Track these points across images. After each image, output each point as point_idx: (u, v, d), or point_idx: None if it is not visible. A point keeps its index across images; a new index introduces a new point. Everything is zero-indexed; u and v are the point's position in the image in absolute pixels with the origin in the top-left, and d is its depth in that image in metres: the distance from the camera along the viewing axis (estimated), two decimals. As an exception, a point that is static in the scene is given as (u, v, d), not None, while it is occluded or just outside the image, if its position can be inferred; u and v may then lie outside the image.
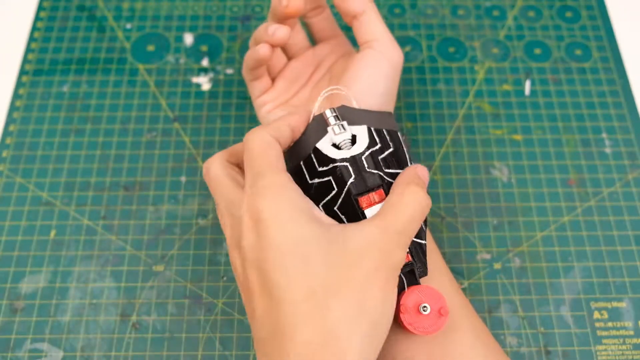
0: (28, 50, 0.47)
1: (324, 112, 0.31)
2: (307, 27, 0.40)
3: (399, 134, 0.32)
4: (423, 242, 0.29)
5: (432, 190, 0.41)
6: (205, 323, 0.37)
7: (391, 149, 0.31)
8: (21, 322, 0.37)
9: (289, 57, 0.39)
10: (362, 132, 0.30)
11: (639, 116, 0.44)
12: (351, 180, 0.29)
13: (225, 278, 0.38)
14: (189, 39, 0.48)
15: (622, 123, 0.44)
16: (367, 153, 0.29)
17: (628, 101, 0.45)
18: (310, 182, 0.30)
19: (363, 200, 0.29)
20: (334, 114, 0.31)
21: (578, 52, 0.47)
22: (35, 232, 0.39)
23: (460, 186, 0.41)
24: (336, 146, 0.30)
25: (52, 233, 0.39)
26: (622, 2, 0.50)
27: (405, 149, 0.32)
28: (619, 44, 0.47)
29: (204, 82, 0.46)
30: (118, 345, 0.36)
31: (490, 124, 0.44)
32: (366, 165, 0.29)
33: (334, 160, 0.29)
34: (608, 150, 0.43)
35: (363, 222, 0.27)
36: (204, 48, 0.47)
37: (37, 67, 0.46)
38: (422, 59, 0.47)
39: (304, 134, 0.32)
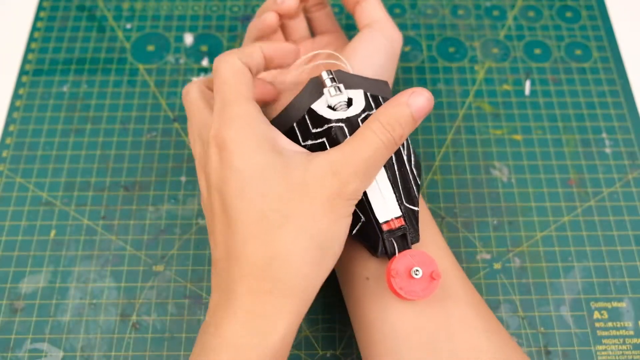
0: (28, 50, 0.47)
1: (321, 74, 0.31)
2: (308, 21, 0.40)
3: None
4: (416, 208, 0.29)
5: (432, 190, 0.41)
6: (205, 323, 0.37)
7: None
8: (21, 322, 0.37)
9: None
10: (358, 96, 0.30)
11: (639, 116, 0.44)
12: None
13: (225, 278, 0.38)
14: (189, 39, 0.48)
15: (622, 123, 0.44)
16: (363, 115, 0.29)
17: (628, 101, 0.45)
18: (303, 144, 0.30)
19: None
20: (330, 76, 0.31)
21: (578, 52, 0.47)
22: (35, 232, 0.39)
23: (460, 186, 0.41)
24: (332, 108, 0.30)
25: (52, 233, 0.39)
26: (622, 2, 0.50)
27: None
28: (619, 44, 0.47)
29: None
30: (118, 345, 0.36)
31: (490, 124, 0.44)
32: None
33: (329, 121, 0.29)
34: (608, 150, 0.43)
35: (327, 151, 0.27)
36: (204, 48, 0.47)
37: (37, 67, 0.46)
38: (422, 59, 0.47)
39: (298, 95, 0.31)
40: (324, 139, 0.29)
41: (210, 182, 0.27)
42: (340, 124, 0.29)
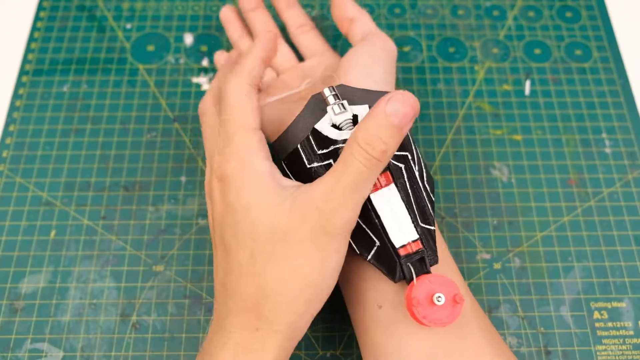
0: (28, 50, 0.47)
1: (322, 91, 0.29)
2: (296, 46, 0.41)
3: None
4: (432, 228, 0.28)
5: (432, 190, 0.41)
6: (205, 323, 0.37)
7: None
8: (21, 322, 0.37)
9: (278, 75, 0.40)
10: (364, 112, 0.28)
11: (639, 116, 0.44)
12: None
13: (225, 278, 0.38)
14: (189, 39, 0.48)
15: (622, 123, 0.44)
16: None
17: (628, 101, 0.45)
18: (308, 166, 0.28)
19: None
20: (333, 93, 0.29)
21: (578, 52, 0.47)
22: (35, 232, 0.39)
23: (460, 186, 0.41)
24: (336, 127, 0.28)
25: (52, 233, 0.39)
26: (622, 2, 0.50)
27: (408, 131, 0.29)
28: (619, 44, 0.47)
29: (204, 82, 0.46)
30: (118, 345, 0.36)
31: (490, 124, 0.44)
32: None
33: (335, 142, 0.28)
34: (608, 150, 0.43)
35: (311, 184, 0.26)
36: (204, 48, 0.47)
37: (37, 67, 0.46)
38: (422, 59, 0.47)
39: (300, 115, 0.30)
40: (331, 160, 0.28)
41: (214, 211, 0.29)
42: (343, 146, 0.27)
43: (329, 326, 0.37)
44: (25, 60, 0.47)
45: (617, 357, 0.36)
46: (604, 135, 0.43)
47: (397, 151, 0.28)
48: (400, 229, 0.27)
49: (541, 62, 0.47)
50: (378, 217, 0.27)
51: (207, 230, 0.40)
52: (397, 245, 0.27)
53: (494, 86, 0.45)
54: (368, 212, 0.27)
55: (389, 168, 0.27)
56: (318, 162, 0.28)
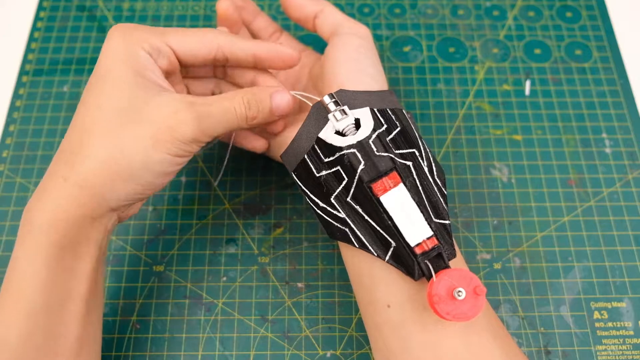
0: (28, 50, 0.47)
1: (322, 99, 0.29)
2: None
3: (404, 111, 0.31)
4: (447, 222, 0.28)
5: (432, 190, 0.41)
6: (205, 323, 0.37)
7: (399, 128, 0.29)
8: (21, 322, 0.37)
9: None
10: (365, 115, 0.29)
11: (639, 116, 0.44)
12: (361, 167, 0.27)
13: (225, 278, 0.38)
14: (189, 39, 0.48)
15: (622, 123, 0.44)
16: (374, 136, 0.28)
17: (628, 101, 0.45)
18: (318, 175, 0.29)
19: (377, 187, 0.27)
20: (333, 100, 0.29)
21: (578, 52, 0.47)
22: (35, 232, 0.39)
23: (460, 186, 0.41)
24: (340, 133, 0.29)
25: (52, 233, 0.39)
26: (622, 2, 0.50)
27: (413, 127, 0.30)
28: (619, 44, 0.47)
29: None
30: (118, 345, 0.36)
31: (490, 124, 0.44)
32: (375, 149, 0.27)
33: (340, 149, 0.28)
34: (608, 150, 0.43)
35: (185, 94, 0.30)
36: (204, 48, 0.47)
37: (37, 67, 0.46)
38: (422, 59, 0.47)
39: (303, 125, 0.30)
40: (339, 167, 0.28)
41: None
42: (352, 150, 0.27)
43: (329, 326, 0.37)
44: (25, 60, 0.47)
45: (617, 357, 0.36)
46: (604, 135, 0.43)
47: (404, 149, 0.28)
48: (414, 228, 0.27)
49: (541, 62, 0.47)
50: (390, 218, 0.27)
51: (207, 231, 0.40)
52: (412, 244, 0.27)
53: (494, 86, 0.45)
54: (380, 214, 0.27)
55: (395, 168, 0.27)
56: (326, 169, 0.28)
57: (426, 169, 0.28)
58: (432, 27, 0.49)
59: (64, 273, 0.28)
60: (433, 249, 0.27)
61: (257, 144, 0.37)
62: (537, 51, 0.47)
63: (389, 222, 0.27)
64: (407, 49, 0.47)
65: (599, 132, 0.43)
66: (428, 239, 0.27)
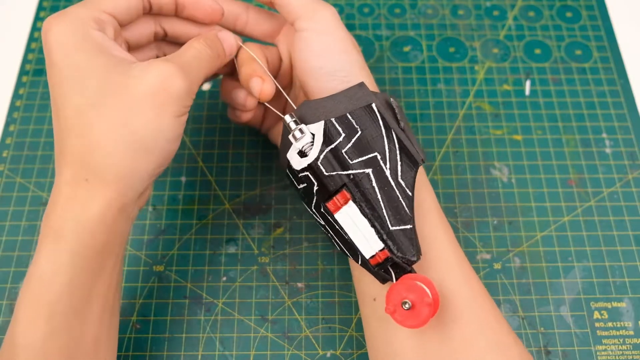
0: (28, 50, 0.47)
1: (284, 119, 0.30)
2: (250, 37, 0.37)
3: (374, 105, 0.29)
4: (407, 227, 0.28)
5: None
6: (205, 323, 0.37)
7: (358, 134, 0.28)
8: (21, 322, 0.37)
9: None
10: (318, 131, 0.29)
11: (639, 116, 0.44)
12: (315, 188, 0.29)
13: (225, 278, 0.38)
14: (189, 39, 0.48)
15: (622, 123, 0.44)
16: (322, 156, 0.28)
17: (628, 101, 0.45)
18: (298, 187, 0.30)
19: (330, 206, 0.28)
20: (293, 119, 0.30)
21: (578, 52, 0.47)
22: (35, 232, 0.39)
23: (460, 186, 0.41)
24: (302, 152, 0.29)
25: (52, 233, 0.39)
26: (622, 2, 0.50)
27: (382, 121, 0.29)
28: (619, 44, 0.47)
29: (204, 82, 0.46)
30: (118, 345, 0.36)
31: (490, 124, 0.44)
32: (324, 170, 0.28)
33: (298, 172, 0.29)
34: (608, 150, 0.43)
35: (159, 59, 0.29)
36: (204, 48, 0.47)
37: (37, 67, 0.46)
38: (422, 59, 0.47)
39: (280, 142, 0.32)
40: (306, 184, 0.29)
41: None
42: (306, 173, 0.29)
43: (329, 326, 0.37)
44: (25, 60, 0.47)
45: (617, 357, 0.36)
46: (604, 135, 0.43)
47: (362, 155, 0.28)
48: (367, 242, 0.28)
49: (541, 62, 0.47)
50: (346, 233, 0.28)
51: (207, 231, 0.40)
52: (367, 256, 0.28)
53: (494, 86, 0.45)
54: (338, 231, 0.29)
55: (345, 185, 0.28)
56: (301, 183, 0.30)
57: (388, 172, 0.28)
58: (432, 27, 0.49)
59: (88, 273, 0.28)
60: (386, 259, 0.27)
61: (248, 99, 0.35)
62: (537, 51, 0.47)
63: (346, 237, 0.28)
64: (407, 49, 0.47)
65: (599, 132, 0.43)
66: (381, 251, 0.28)
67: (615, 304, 0.37)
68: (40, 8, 0.49)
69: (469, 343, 0.28)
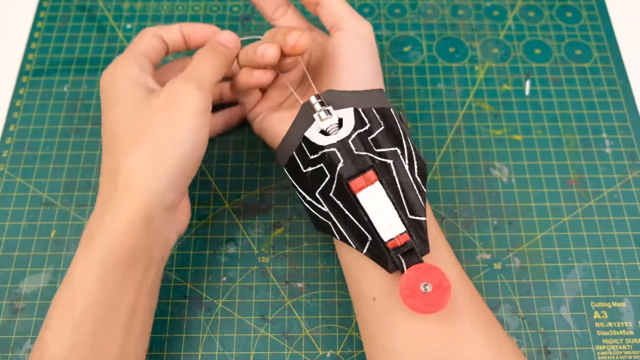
0: (28, 50, 0.47)
1: (309, 99, 0.31)
2: None
3: (392, 110, 0.32)
4: (422, 219, 0.29)
5: (432, 190, 0.41)
6: (205, 323, 0.37)
7: (382, 128, 0.30)
8: (21, 323, 0.37)
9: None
10: (348, 115, 0.30)
11: (639, 116, 0.44)
12: (340, 164, 0.29)
13: (225, 278, 0.38)
14: (189, 39, 0.48)
15: (622, 123, 0.44)
16: (354, 135, 0.29)
17: (628, 101, 0.45)
18: (304, 171, 0.31)
19: (355, 184, 0.29)
20: (319, 100, 0.31)
21: (578, 52, 0.47)
22: (35, 232, 0.39)
23: (460, 186, 0.41)
24: (324, 132, 0.30)
25: (53, 233, 0.39)
26: (622, 2, 0.50)
27: (399, 125, 0.31)
28: (619, 44, 0.47)
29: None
30: (118, 345, 0.36)
31: (490, 124, 0.44)
32: (354, 148, 0.29)
33: (322, 147, 0.30)
34: (608, 150, 0.43)
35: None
36: (204, 48, 0.47)
37: (37, 67, 0.46)
38: (422, 59, 0.47)
39: (293, 123, 0.32)
40: (322, 164, 0.30)
41: None
42: (333, 149, 0.29)
43: (329, 326, 0.37)
44: (25, 60, 0.47)
45: (617, 357, 0.36)
46: (604, 135, 0.43)
47: (387, 147, 0.30)
48: (388, 224, 0.28)
49: (541, 62, 0.47)
50: (366, 214, 0.29)
51: (207, 231, 0.40)
52: (385, 239, 0.28)
53: (494, 86, 0.45)
54: (357, 210, 0.29)
55: (373, 166, 0.29)
56: (312, 166, 0.30)
57: (407, 167, 0.30)
58: (432, 27, 0.49)
59: (115, 284, 0.29)
60: (405, 244, 0.28)
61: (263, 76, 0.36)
62: (537, 51, 0.47)
63: (365, 218, 0.29)
64: (407, 49, 0.47)
65: (599, 132, 0.43)
66: (401, 234, 0.28)
67: (615, 304, 0.37)
68: (40, 8, 0.49)
69: (470, 338, 0.28)
